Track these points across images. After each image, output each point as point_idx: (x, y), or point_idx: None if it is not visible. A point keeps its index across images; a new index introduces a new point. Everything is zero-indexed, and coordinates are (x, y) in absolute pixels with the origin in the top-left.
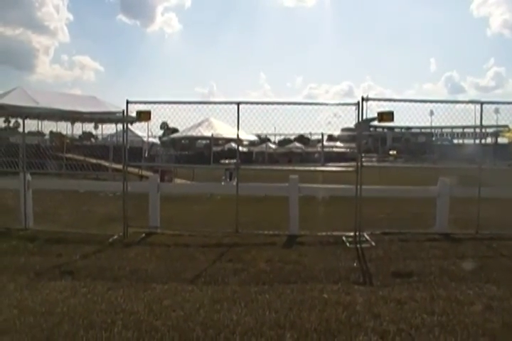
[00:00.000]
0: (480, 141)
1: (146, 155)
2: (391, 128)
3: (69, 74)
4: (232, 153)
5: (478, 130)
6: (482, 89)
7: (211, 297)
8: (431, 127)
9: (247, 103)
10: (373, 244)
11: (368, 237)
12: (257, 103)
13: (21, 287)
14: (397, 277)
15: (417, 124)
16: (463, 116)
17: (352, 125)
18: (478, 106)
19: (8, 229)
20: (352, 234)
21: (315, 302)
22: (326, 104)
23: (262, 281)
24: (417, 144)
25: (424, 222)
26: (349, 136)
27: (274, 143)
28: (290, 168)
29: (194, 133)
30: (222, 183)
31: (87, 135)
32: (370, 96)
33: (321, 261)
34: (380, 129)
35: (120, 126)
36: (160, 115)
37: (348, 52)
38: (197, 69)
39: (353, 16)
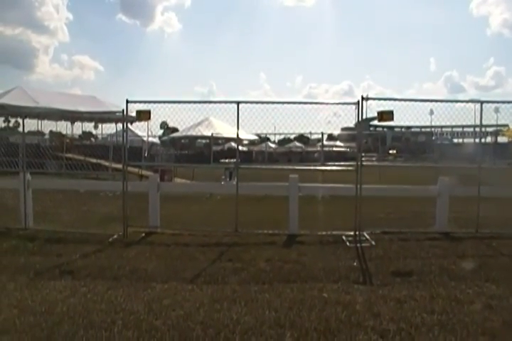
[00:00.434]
0: (480, 140)
1: (146, 154)
2: (391, 128)
3: (68, 74)
4: (232, 153)
5: (478, 129)
6: (482, 88)
7: (211, 296)
8: (431, 126)
9: (246, 102)
10: (373, 243)
11: (367, 236)
12: (257, 102)
13: (21, 286)
14: (397, 276)
15: (417, 124)
16: (463, 116)
17: (352, 124)
18: (478, 106)
19: (8, 228)
20: (352, 233)
21: (315, 302)
22: (326, 104)
23: (262, 280)
24: (417, 143)
25: (424, 221)
26: (349, 135)
27: (274, 142)
28: (290, 167)
29: (194, 132)
30: (222, 183)
31: (86, 134)
32: (370, 95)
33: (321, 261)
34: (380, 128)
35: (120, 126)
36: (160, 114)
37: (348, 51)
38: (197, 69)
39: (353, 15)
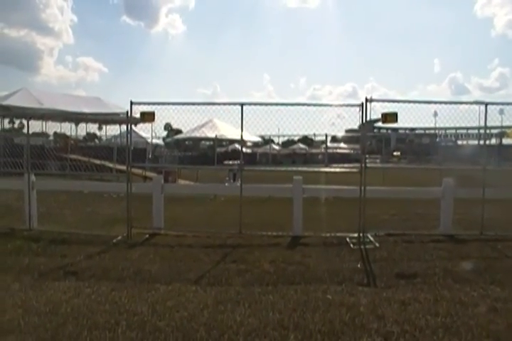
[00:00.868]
0: (484, 142)
1: (150, 156)
2: (395, 130)
3: (73, 76)
4: (235, 154)
5: (482, 131)
6: (486, 89)
7: (215, 298)
8: (435, 128)
9: (250, 104)
10: (377, 245)
11: (371, 238)
12: (261, 104)
13: (26, 287)
14: (401, 278)
15: (421, 125)
16: (467, 117)
17: (356, 126)
18: (482, 107)
19: (13, 229)
20: (356, 235)
21: (319, 303)
22: (330, 105)
23: (266, 282)
24: (421, 145)
25: (429, 223)
26: (353, 137)
27: (278, 144)
28: (294, 169)
29: (198, 134)
30: (226, 184)
31: (91, 136)
32: (374, 97)
33: (325, 262)
34: (384, 130)
35: (124, 127)
36: (164, 116)
37: (352, 52)
38: (200, 70)
39: (356, 17)
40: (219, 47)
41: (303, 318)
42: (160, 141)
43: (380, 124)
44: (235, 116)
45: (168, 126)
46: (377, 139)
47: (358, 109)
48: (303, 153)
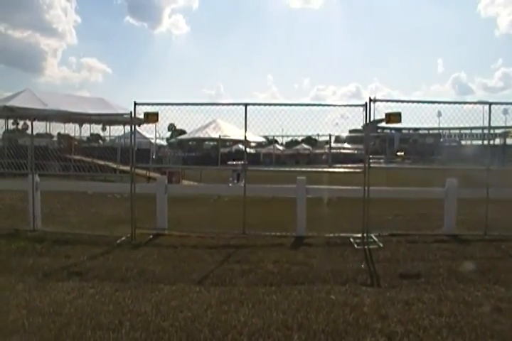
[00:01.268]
0: (488, 142)
1: (154, 156)
2: (399, 130)
3: (77, 76)
4: (239, 155)
5: (486, 131)
6: (490, 89)
7: (218, 298)
8: (439, 128)
9: (254, 104)
10: (381, 245)
11: (375, 238)
12: (265, 104)
13: (30, 288)
14: (405, 278)
15: (425, 125)
16: (471, 117)
17: (359, 126)
18: (486, 107)
19: (17, 230)
20: (359, 235)
21: (322, 304)
22: (334, 106)
23: (270, 282)
24: (425, 145)
25: (432, 223)
26: (357, 137)
27: (282, 144)
28: (297, 169)
29: (201, 134)
30: (230, 185)
31: (94, 137)
32: (378, 97)
33: (329, 263)
34: (388, 130)
35: (128, 128)
36: (167, 117)
37: (355, 53)
38: (204, 71)
39: (359, 17)
40: (222, 48)
41: (306, 318)
42: (164, 142)
43: (383, 124)
44: (239, 116)
45: (171, 127)
46: (380, 139)
47: (361, 109)
48: (306, 153)
